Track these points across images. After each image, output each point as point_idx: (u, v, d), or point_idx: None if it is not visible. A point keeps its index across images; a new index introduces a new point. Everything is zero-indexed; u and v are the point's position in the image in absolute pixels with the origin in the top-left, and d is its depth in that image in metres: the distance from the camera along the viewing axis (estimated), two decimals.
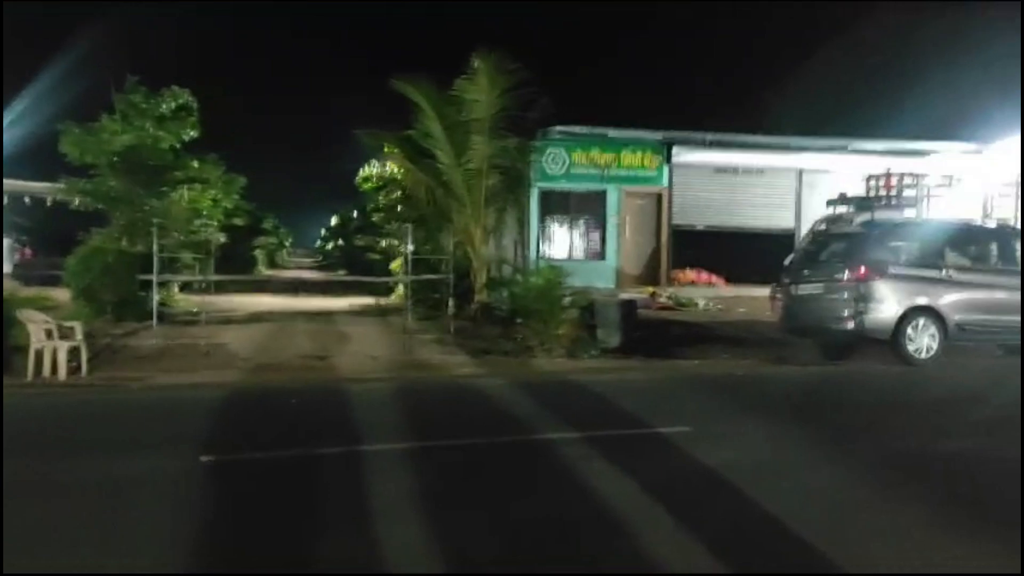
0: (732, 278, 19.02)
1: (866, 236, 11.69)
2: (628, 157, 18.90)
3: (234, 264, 26.55)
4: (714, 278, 19.37)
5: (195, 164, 19.05)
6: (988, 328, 11.39)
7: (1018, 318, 11.29)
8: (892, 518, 4.85)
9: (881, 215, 13.44)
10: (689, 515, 4.86)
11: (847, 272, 11.31)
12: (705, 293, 18.13)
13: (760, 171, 20.02)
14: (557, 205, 18.87)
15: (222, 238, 24.01)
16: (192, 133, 18.01)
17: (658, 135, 18.92)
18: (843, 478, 5.70)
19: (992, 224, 12.79)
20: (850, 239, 11.83)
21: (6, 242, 24.16)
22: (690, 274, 19.17)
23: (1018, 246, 12.12)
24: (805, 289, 12.04)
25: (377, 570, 4.12)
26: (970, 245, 11.99)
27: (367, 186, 21.02)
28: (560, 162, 18.41)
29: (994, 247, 11.97)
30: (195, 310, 16.04)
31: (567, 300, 12.67)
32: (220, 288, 20.77)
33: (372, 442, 6.73)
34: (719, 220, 19.89)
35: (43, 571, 4.10)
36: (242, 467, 6.06)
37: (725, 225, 19.88)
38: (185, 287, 18.76)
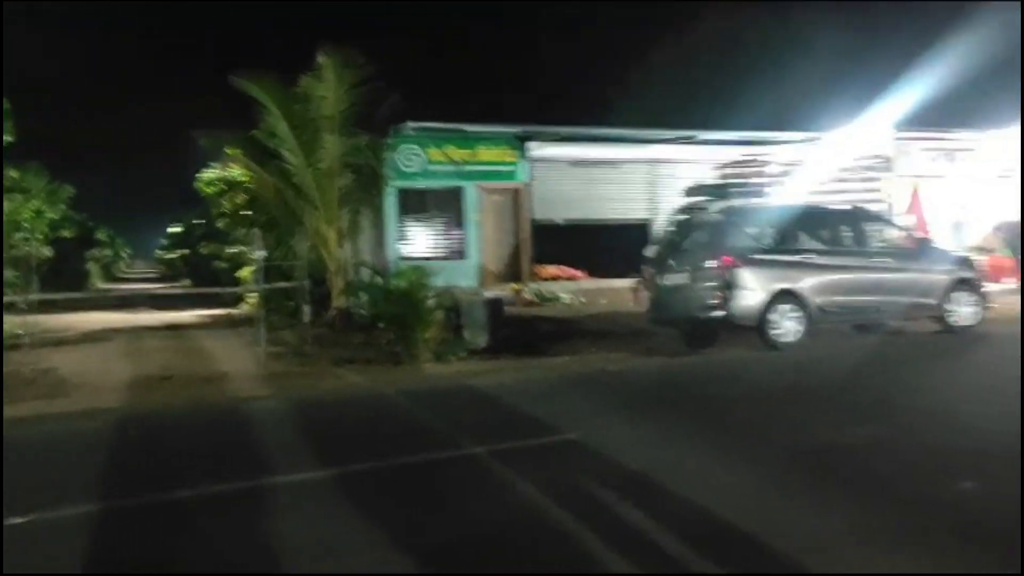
0: (593, 271, 18.92)
1: (727, 223, 11.65)
2: (485, 152, 18.40)
3: (65, 279, 24.38)
4: (576, 272, 19.21)
5: (13, 174, 17.14)
6: (847, 309, 11.58)
7: (874, 298, 11.53)
8: (833, 513, 4.52)
9: (738, 202, 13.46)
10: (615, 526, 4.35)
11: (712, 260, 11.22)
12: (568, 287, 17.91)
13: (614, 164, 20.02)
14: (415, 204, 18.13)
15: (48, 252, 21.88)
16: (8, 139, 16.13)
17: (514, 129, 18.51)
18: (768, 474, 5.40)
19: (844, 205, 13.06)
20: (712, 227, 11.77)
21: None
22: (552, 269, 18.91)
23: (870, 227, 12.45)
24: (671, 279, 11.90)
25: None
26: (825, 228, 12.18)
27: (210, 190, 19.56)
28: (416, 159, 17.69)
29: (847, 228, 12.21)
30: (19, 332, 14.30)
31: (431, 302, 12.01)
32: (49, 306, 18.80)
33: (223, 480, 5.86)
34: (578, 214, 19.72)
35: None
36: (60, 529, 5.04)
37: (584, 218, 19.73)
38: (9, 308, 16.80)
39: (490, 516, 4.88)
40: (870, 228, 12.25)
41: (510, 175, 18.73)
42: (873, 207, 16.59)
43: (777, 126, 19.85)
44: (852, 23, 24.79)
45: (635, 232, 18.71)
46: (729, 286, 11.03)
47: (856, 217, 12.37)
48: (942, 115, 20.16)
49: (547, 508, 4.90)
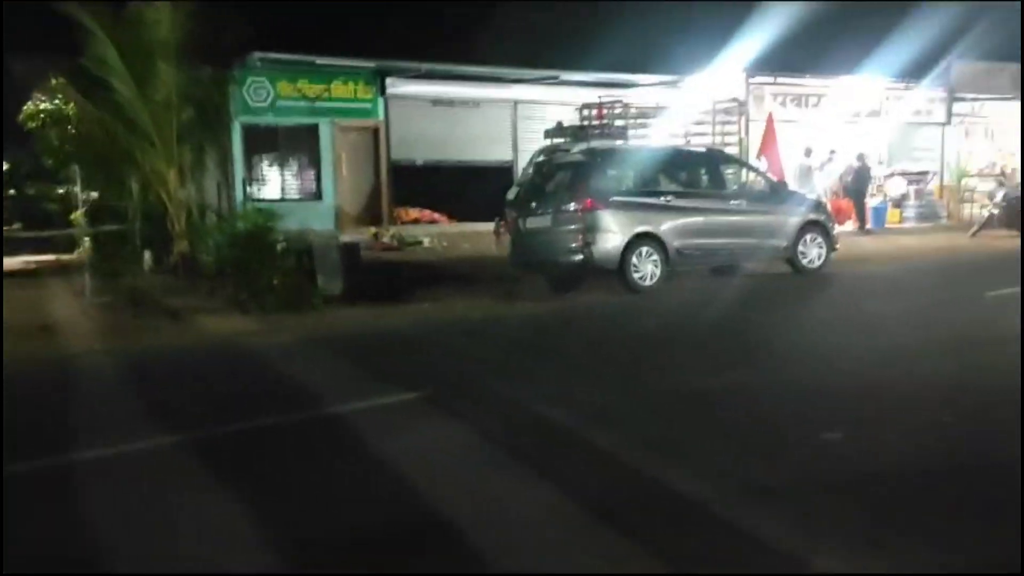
0: (455, 214, 18.36)
1: (588, 165, 11.34)
2: (340, 88, 17.37)
3: None
4: (437, 215, 18.61)
5: None
6: (705, 251, 11.54)
7: (730, 240, 11.56)
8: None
9: (598, 144, 13.16)
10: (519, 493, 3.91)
11: (573, 203, 10.90)
12: (429, 231, 17.31)
13: (476, 103, 19.39)
14: (265, 142, 16.97)
15: None
16: None
17: (371, 64, 17.53)
18: (668, 423, 5.14)
19: (701, 148, 13.03)
20: (573, 169, 11.44)
21: None
22: (413, 212, 18.24)
23: (727, 170, 12.47)
24: (532, 223, 11.52)
25: None
26: (683, 170, 12.08)
27: (33, 125, 17.66)
28: (264, 94, 16.48)
29: (704, 171, 12.16)
30: None
31: (280, 246, 11.20)
32: None
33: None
34: (439, 155, 19.04)
35: None
36: None
37: (445, 160, 19.08)
38: None
39: (324, 490, 4.36)
40: (726, 171, 12.25)
41: (367, 112, 17.83)
42: (729, 150, 16.80)
43: (638, 69, 19.72)
44: None
45: (499, 174, 18.28)
46: (590, 229, 10.75)
47: (713, 160, 12.34)
48: (794, 61, 20.57)
49: (388, 475, 4.42)
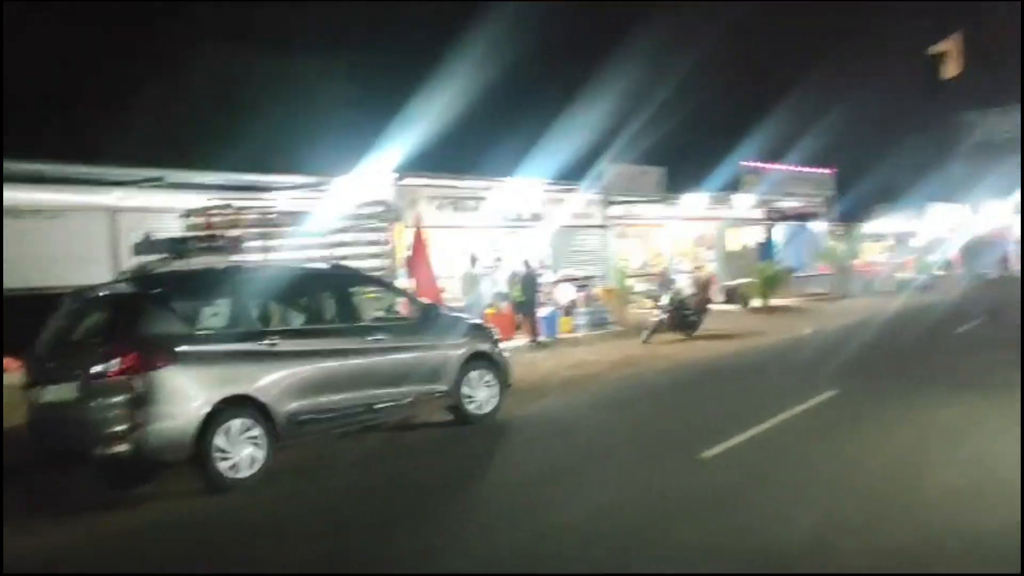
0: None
1: (137, 300, 7.11)
2: None
3: None
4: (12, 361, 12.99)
5: None
6: (332, 412, 7.72)
7: (367, 392, 7.91)
8: None
9: (199, 261, 8.93)
10: None
11: (108, 359, 6.60)
12: None
13: (57, 212, 14.30)
14: None
15: None
16: None
17: None
18: None
19: (324, 265, 9.41)
20: (112, 307, 7.17)
21: None
22: None
23: (359, 292, 8.92)
24: (52, 393, 7.01)
25: None
26: (298, 298, 8.33)
27: None
28: None
29: (329, 297, 8.49)
30: None
31: None
32: None
33: None
34: (7, 280, 13.60)
35: None
36: None
37: (15, 287, 13.64)
38: None
39: None
40: (358, 294, 8.69)
41: None
42: (377, 262, 13.46)
43: (269, 169, 15.92)
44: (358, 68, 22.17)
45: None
46: (141, 400, 6.52)
47: (341, 281, 8.67)
48: (449, 162, 18.11)
49: None
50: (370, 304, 8.97)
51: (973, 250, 33.63)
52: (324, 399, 7.61)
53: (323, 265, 9.34)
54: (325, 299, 8.36)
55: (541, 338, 16.97)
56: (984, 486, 5.47)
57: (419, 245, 13.73)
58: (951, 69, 33.33)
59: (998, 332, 14.60)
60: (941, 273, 36.71)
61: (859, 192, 32.64)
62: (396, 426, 8.82)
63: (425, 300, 9.85)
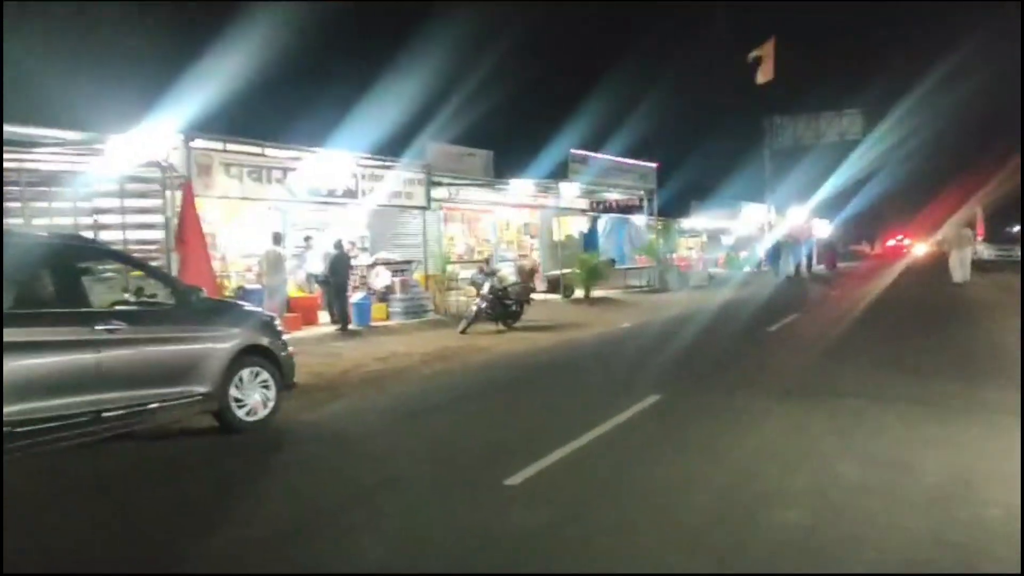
0: None
1: None
2: None
3: None
4: None
5: None
6: (51, 420, 5.76)
7: (103, 395, 6.06)
8: None
9: None
10: None
11: None
12: None
13: None
14: None
15: None
16: None
17: None
18: None
19: (42, 232, 7.32)
20: None
21: None
22: None
23: (99, 270, 6.99)
24: None
25: None
26: (20, 272, 6.26)
27: None
28: None
29: (53, 276, 6.48)
30: None
31: None
32: None
33: None
34: None
35: None
36: None
37: None
38: None
39: None
40: (94, 271, 6.78)
41: None
42: (151, 234, 11.37)
43: (47, 122, 13.20)
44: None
45: None
46: None
47: (63, 252, 6.67)
48: (254, 129, 16.04)
49: None
50: (112, 285, 7.04)
51: (779, 249, 35.09)
52: (39, 403, 5.70)
53: (41, 232, 7.26)
54: (43, 276, 6.37)
55: (351, 326, 15.38)
56: (823, 530, 4.56)
57: (189, 213, 11.52)
58: (764, 74, 34.59)
59: (810, 330, 14.64)
60: (751, 270, 38.21)
61: (677, 187, 33.16)
62: (154, 434, 7.00)
63: (184, 282, 7.96)
